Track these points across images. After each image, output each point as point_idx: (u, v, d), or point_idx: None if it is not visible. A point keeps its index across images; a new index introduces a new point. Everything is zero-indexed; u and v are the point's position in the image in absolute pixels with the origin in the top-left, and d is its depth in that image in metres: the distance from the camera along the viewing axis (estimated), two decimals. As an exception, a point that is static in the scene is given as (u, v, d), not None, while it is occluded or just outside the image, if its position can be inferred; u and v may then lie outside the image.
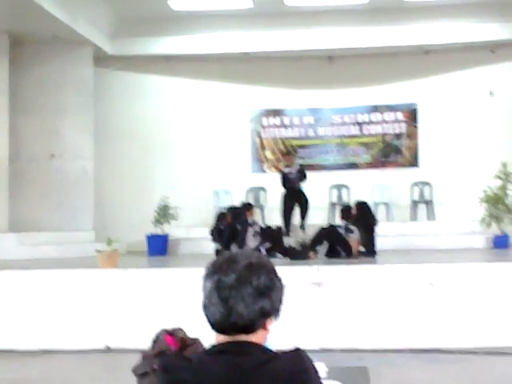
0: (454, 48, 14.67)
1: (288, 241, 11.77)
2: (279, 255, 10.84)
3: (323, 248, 10.80)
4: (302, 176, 13.31)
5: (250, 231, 11.32)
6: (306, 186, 13.30)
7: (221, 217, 11.96)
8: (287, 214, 13.25)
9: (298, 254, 10.75)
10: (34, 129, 13.35)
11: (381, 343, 7.42)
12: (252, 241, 11.22)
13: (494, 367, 6.58)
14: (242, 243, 11.05)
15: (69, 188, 13.48)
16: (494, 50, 14.73)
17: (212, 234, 11.72)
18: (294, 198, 13.24)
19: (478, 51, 14.73)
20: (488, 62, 14.88)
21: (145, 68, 15.26)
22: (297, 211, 13.36)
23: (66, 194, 13.43)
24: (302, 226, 13.16)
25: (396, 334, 7.46)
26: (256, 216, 12.83)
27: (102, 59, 14.47)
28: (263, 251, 10.62)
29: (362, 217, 11.11)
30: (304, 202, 13.21)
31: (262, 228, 11.70)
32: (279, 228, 11.92)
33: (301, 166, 13.79)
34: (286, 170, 13.54)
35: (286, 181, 13.28)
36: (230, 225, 11.45)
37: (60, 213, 13.30)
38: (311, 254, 10.66)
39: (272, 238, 11.42)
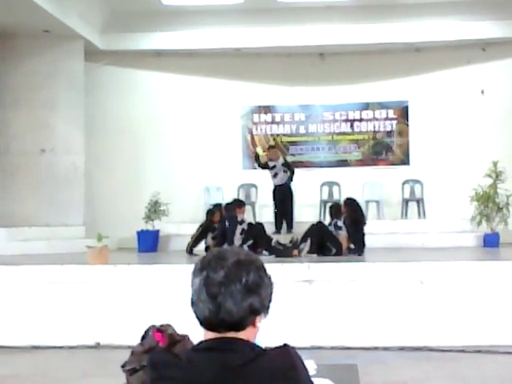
0: (445, 46, 14.68)
1: (277, 238, 11.69)
2: (265, 252, 10.80)
3: (306, 246, 10.75)
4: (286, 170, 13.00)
5: (239, 229, 11.26)
6: (296, 183, 13.23)
7: (210, 214, 11.92)
8: (276, 212, 13.19)
9: (282, 252, 10.70)
10: (25, 123, 13.27)
11: (371, 341, 7.43)
12: (238, 239, 11.16)
13: (484, 366, 6.59)
14: (231, 240, 11.00)
15: (59, 183, 13.43)
16: (485, 49, 14.76)
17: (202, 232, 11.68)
18: (279, 196, 13.07)
19: (469, 49, 14.74)
20: (479, 61, 14.89)
21: (135, 63, 15.20)
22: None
23: (56, 188, 13.38)
24: (289, 229, 13.00)
25: (386, 332, 7.47)
26: (247, 213, 12.78)
27: (92, 54, 14.40)
28: (246, 249, 10.53)
29: (350, 214, 11.08)
30: (286, 203, 13.02)
31: (249, 224, 11.62)
32: (261, 224, 11.74)
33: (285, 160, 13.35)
34: (270, 164, 13.17)
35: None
36: (221, 222, 11.42)
37: (50, 208, 13.25)
38: (295, 251, 10.63)
39: (255, 235, 11.34)
